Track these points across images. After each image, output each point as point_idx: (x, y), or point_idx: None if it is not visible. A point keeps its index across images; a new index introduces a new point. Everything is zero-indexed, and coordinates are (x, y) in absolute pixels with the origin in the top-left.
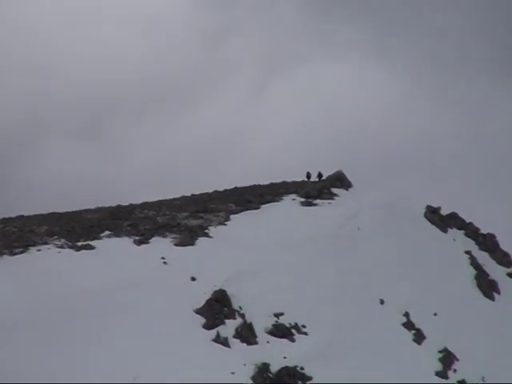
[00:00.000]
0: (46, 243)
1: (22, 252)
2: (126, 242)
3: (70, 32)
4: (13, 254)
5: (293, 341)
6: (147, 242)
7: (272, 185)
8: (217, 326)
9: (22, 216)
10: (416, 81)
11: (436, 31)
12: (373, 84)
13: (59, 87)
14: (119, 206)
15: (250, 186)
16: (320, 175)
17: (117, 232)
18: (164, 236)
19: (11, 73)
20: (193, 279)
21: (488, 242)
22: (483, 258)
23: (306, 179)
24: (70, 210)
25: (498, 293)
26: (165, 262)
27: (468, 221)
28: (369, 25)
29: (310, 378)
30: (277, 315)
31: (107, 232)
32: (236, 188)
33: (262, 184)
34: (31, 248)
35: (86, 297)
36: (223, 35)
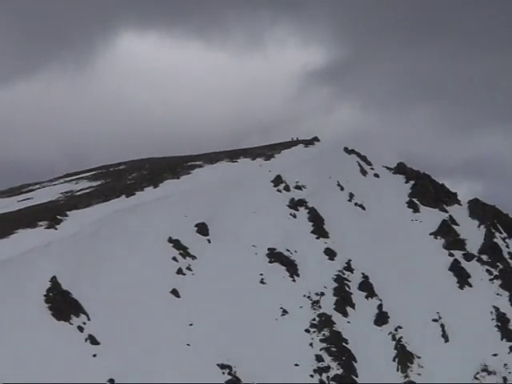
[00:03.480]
0: (211, 163)
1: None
2: (246, 160)
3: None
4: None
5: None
6: (254, 159)
7: (291, 141)
8: (278, 185)
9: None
10: None
11: None
12: None
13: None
14: (245, 149)
15: (284, 142)
16: (297, 138)
17: (246, 156)
18: (256, 158)
19: None
20: (269, 171)
21: (366, 159)
22: (366, 165)
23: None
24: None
25: (379, 176)
26: (260, 165)
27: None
28: None
29: None
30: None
31: (242, 156)
32: (275, 143)
33: (289, 141)
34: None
35: (224, 184)
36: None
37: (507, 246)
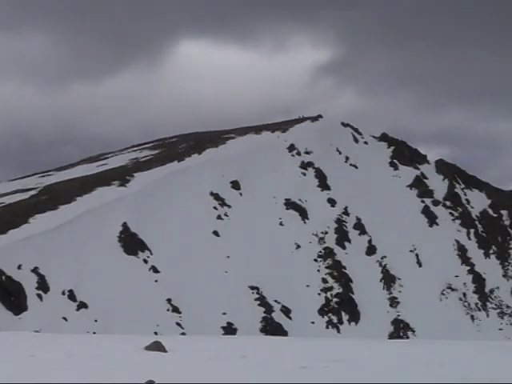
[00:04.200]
0: (241, 136)
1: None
2: (267, 133)
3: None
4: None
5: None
6: (274, 132)
7: (299, 118)
8: (292, 151)
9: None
10: None
11: None
12: None
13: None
14: (267, 124)
15: (296, 119)
16: (303, 116)
17: (267, 129)
18: (275, 131)
19: None
20: (285, 141)
21: (357, 130)
22: (358, 135)
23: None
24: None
25: (367, 143)
26: (278, 137)
27: (355, 127)
28: None
29: None
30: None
31: (264, 130)
32: (290, 120)
33: (299, 117)
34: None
35: (251, 151)
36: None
37: (465, 195)
